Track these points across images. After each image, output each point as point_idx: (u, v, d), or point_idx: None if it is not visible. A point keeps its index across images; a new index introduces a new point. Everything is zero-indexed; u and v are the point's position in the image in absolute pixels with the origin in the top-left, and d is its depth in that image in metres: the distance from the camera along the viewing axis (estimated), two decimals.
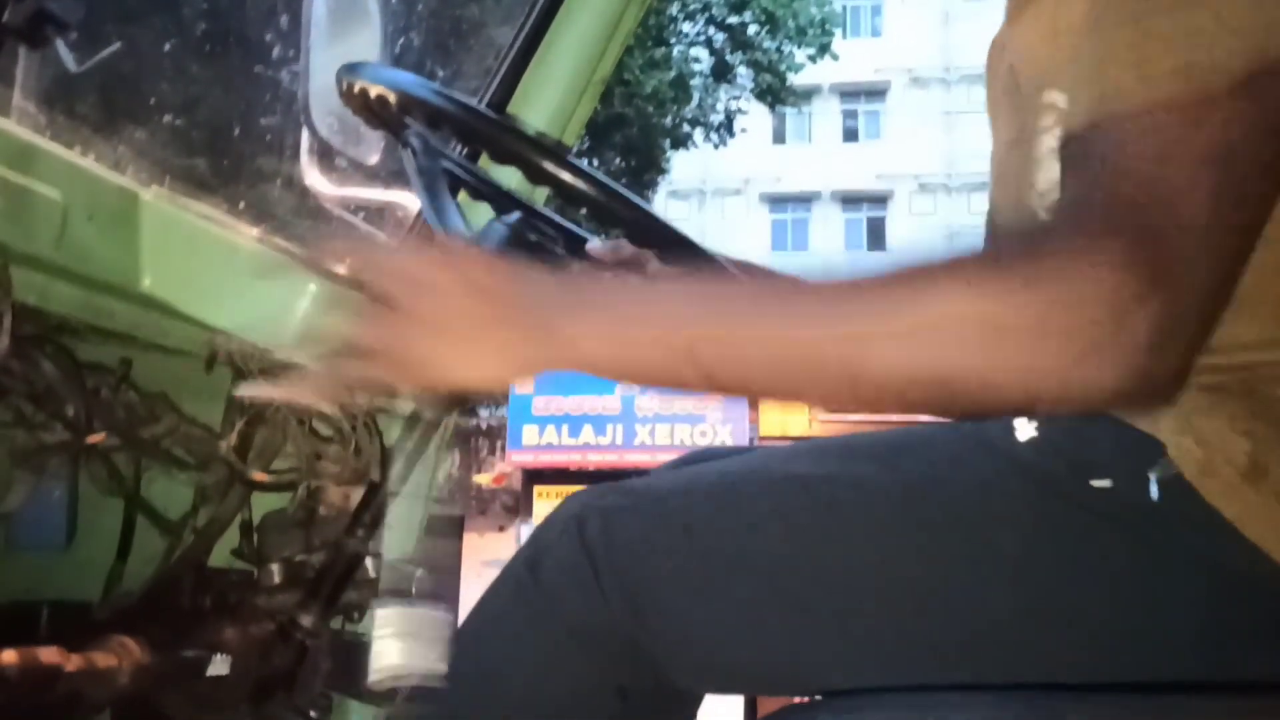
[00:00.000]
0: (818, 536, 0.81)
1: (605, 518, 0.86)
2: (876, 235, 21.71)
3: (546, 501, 10.34)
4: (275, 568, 1.04)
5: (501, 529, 12.26)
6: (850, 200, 21.95)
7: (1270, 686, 0.73)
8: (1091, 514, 0.76)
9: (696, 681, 0.89)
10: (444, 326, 0.65)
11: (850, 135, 22.31)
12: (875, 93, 22.06)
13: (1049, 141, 0.77)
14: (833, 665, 0.82)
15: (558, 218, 1.09)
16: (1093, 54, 0.64)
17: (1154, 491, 0.74)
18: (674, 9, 14.75)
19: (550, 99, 1.45)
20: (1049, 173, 0.77)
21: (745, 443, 9.41)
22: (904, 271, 0.61)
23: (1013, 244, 0.64)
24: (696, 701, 0.96)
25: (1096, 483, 0.76)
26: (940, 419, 0.83)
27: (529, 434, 10.94)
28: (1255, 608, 0.73)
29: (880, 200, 21.82)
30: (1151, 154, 0.58)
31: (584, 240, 1.11)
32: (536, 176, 0.85)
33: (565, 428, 10.90)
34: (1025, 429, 0.80)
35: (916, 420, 0.78)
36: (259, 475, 1.03)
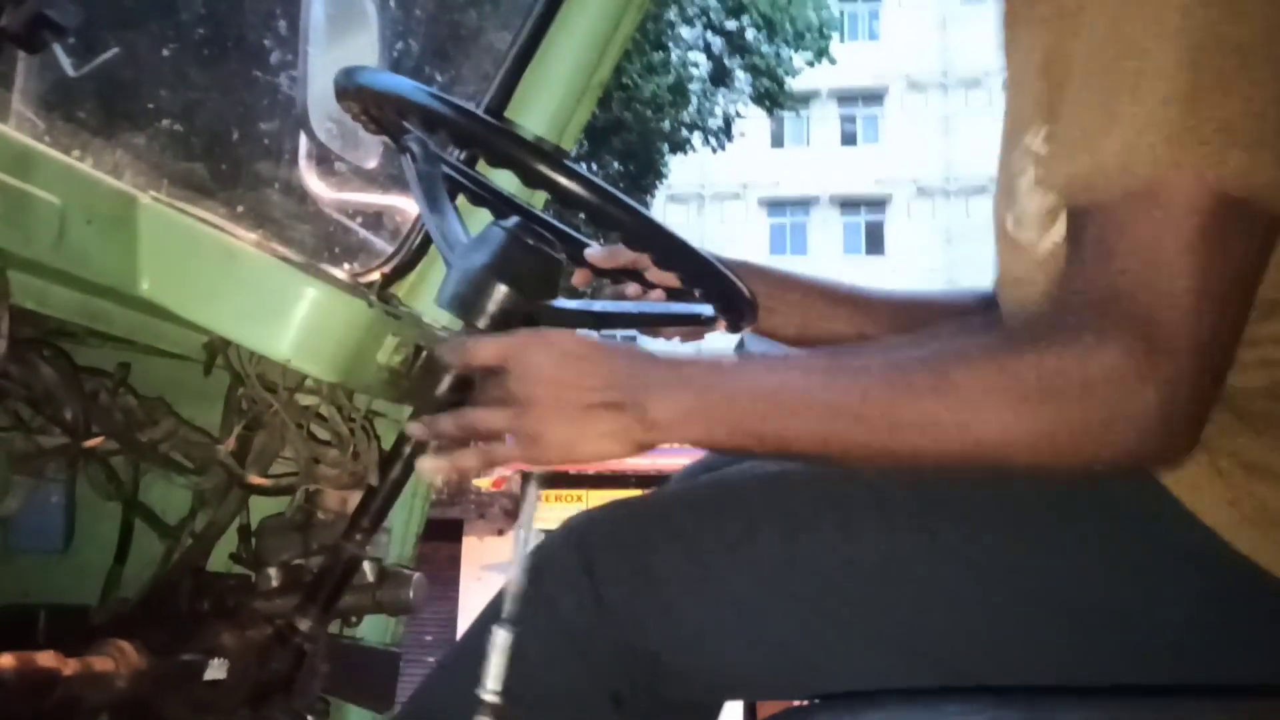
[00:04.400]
0: (820, 535, 0.81)
1: (608, 526, 0.88)
2: (875, 239, 21.68)
3: (547, 505, 10.29)
4: (273, 572, 1.04)
5: (501, 533, 12.22)
6: (848, 204, 21.92)
7: (1268, 689, 0.73)
8: (1098, 516, 0.76)
9: (697, 687, 0.88)
10: (551, 410, 0.75)
11: (848, 139, 22.28)
12: (873, 97, 22.05)
13: (1027, 181, 0.80)
14: (833, 667, 0.82)
15: (556, 222, 1.09)
16: (1086, 127, 0.68)
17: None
18: (672, 14, 14.74)
19: (548, 104, 1.45)
20: (1035, 204, 0.80)
21: None
22: (939, 354, 0.70)
23: (1030, 331, 0.70)
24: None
25: (1104, 487, 0.76)
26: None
27: None
28: (1249, 611, 0.74)
29: (878, 204, 21.80)
30: (1143, 240, 0.64)
31: (582, 244, 1.11)
32: (534, 181, 0.85)
33: None
34: None
35: None
36: (257, 479, 1.03)
